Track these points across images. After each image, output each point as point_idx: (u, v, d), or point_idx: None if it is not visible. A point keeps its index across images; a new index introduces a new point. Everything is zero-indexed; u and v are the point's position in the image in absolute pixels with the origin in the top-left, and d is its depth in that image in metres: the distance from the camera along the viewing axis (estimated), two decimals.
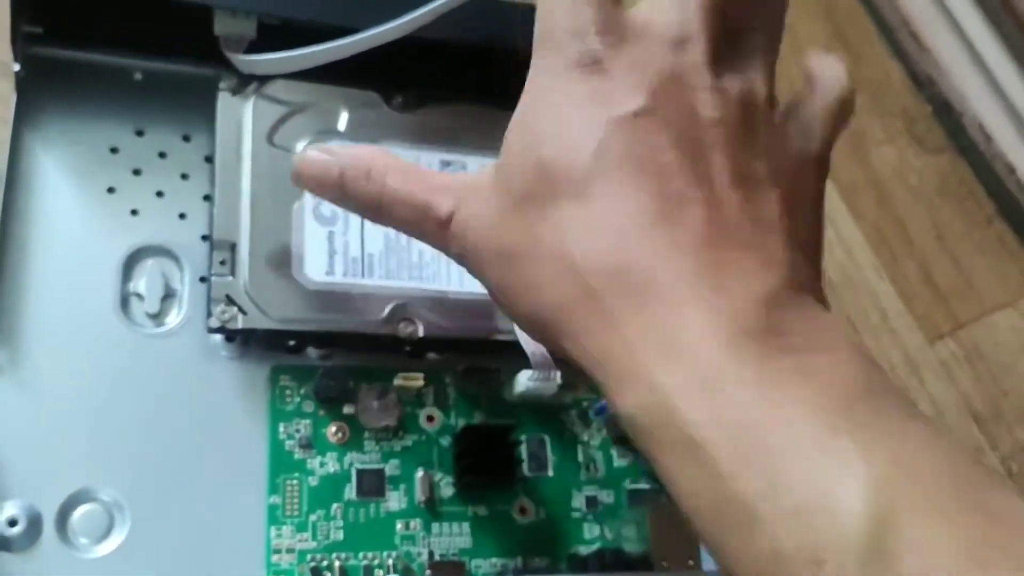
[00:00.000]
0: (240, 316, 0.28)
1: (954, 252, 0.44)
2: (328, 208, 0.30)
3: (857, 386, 0.18)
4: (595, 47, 0.21)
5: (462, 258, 0.24)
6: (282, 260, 0.29)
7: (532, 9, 0.34)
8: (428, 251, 0.31)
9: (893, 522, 0.16)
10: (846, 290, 0.42)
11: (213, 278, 0.28)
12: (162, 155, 0.31)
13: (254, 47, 0.31)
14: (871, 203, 0.44)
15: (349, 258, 0.30)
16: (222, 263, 0.28)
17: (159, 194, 0.31)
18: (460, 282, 0.31)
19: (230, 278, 0.28)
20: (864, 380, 0.18)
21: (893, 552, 0.15)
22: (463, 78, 0.33)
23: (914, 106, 0.47)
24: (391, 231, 0.30)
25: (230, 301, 0.28)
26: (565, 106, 0.21)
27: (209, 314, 0.28)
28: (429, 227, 0.24)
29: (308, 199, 0.30)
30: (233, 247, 0.28)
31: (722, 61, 0.22)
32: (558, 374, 0.31)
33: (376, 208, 0.24)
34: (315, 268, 0.29)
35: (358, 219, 0.30)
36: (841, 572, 0.16)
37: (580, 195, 0.20)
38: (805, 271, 0.21)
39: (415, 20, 0.30)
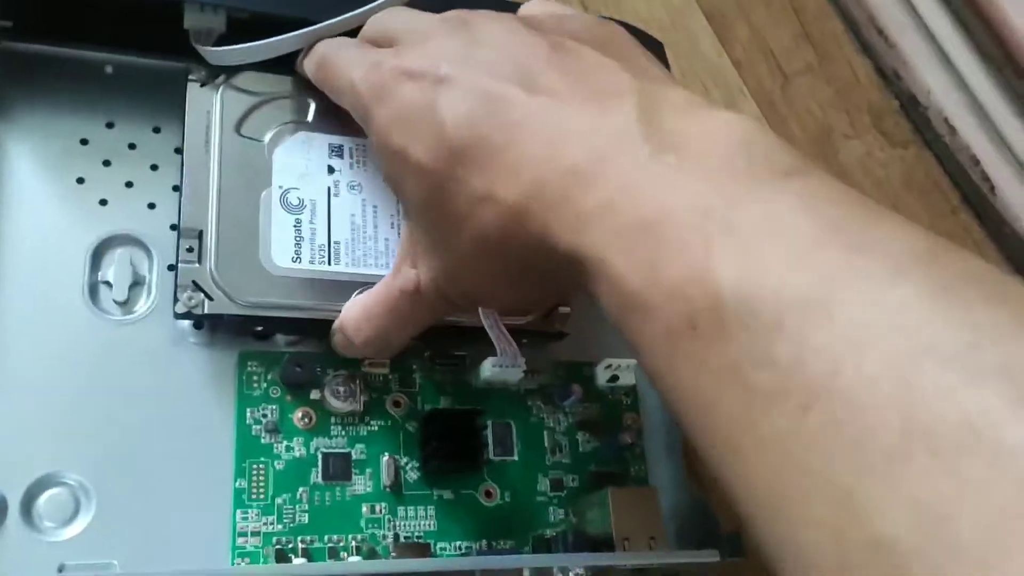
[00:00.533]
0: (206, 302, 0.28)
1: None
2: (295, 196, 0.31)
3: (730, 161, 0.19)
4: (390, 59, 0.26)
5: (465, 302, 0.27)
6: (249, 247, 0.29)
7: None
8: (393, 240, 0.31)
9: (752, 275, 0.17)
10: None
11: (180, 265, 0.28)
12: (132, 146, 0.32)
13: (224, 40, 0.32)
14: None
15: (316, 246, 0.30)
16: (189, 250, 0.28)
17: (128, 184, 0.31)
18: None
19: (197, 265, 0.28)
20: (740, 152, 0.20)
21: (753, 300, 0.17)
22: None
23: (881, 101, 0.48)
24: (357, 219, 0.31)
25: (196, 287, 0.28)
26: (404, 113, 0.25)
27: (176, 300, 0.28)
28: (416, 305, 0.27)
29: (275, 187, 0.30)
30: (200, 234, 0.29)
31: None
32: (523, 360, 0.32)
33: (392, 330, 0.29)
34: (281, 255, 0.30)
35: (324, 207, 0.31)
36: (713, 327, 0.18)
37: (460, 153, 0.23)
38: (657, 76, 0.23)
39: (376, 7, 0.31)
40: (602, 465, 0.33)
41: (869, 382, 0.15)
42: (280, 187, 0.30)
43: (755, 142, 0.20)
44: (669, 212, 0.19)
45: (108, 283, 0.30)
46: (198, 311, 0.28)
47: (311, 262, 0.30)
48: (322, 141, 0.32)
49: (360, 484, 0.30)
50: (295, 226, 0.30)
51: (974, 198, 0.46)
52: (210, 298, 0.28)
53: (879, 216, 0.18)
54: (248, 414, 0.29)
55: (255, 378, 0.30)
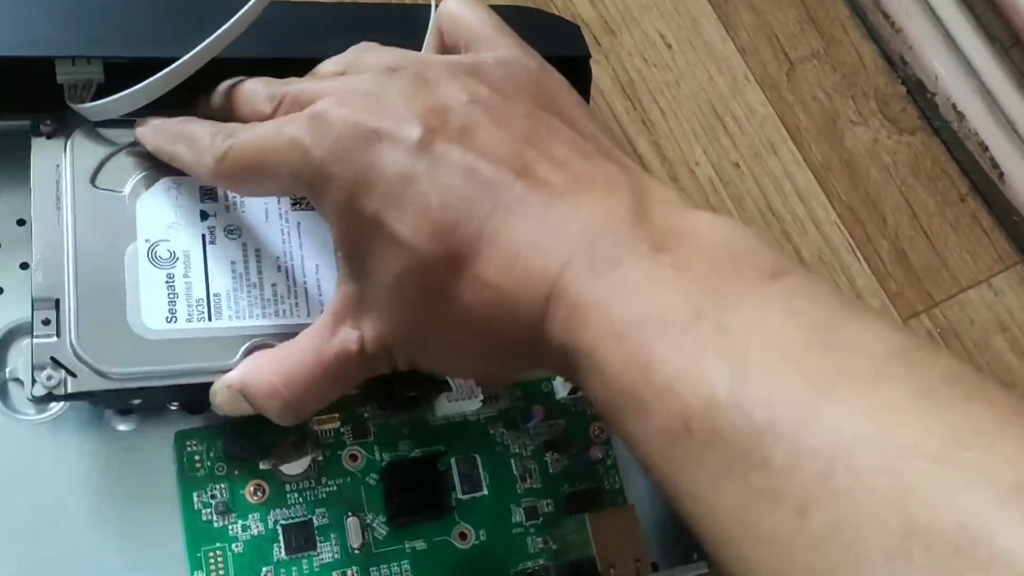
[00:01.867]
0: (68, 379, 0.25)
1: (928, 231, 0.45)
2: (165, 249, 0.27)
3: (719, 263, 0.20)
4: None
5: (415, 366, 0.25)
6: (115, 312, 0.26)
7: (336, 6, 0.32)
8: (282, 284, 0.28)
9: (744, 377, 0.18)
10: (820, 270, 0.43)
11: (35, 340, 0.25)
12: (21, 222, 0.29)
13: (103, 90, 0.29)
14: (845, 183, 0.45)
15: (193, 301, 0.27)
16: (45, 323, 0.25)
17: (23, 266, 0.28)
18: (322, 312, 0.27)
19: (55, 338, 0.25)
20: (726, 254, 0.20)
21: (746, 402, 0.17)
22: None
23: (887, 87, 0.47)
24: (238, 267, 0.28)
25: (56, 364, 0.25)
26: (378, 178, 0.22)
27: (33, 381, 0.24)
28: (356, 367, 0.24)
29: (141, 241, 0.27)
30: (57, 303, 0.25)
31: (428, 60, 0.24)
32: (479, 389, 0.30)
33: (313, 402, 0.25)
34: (153, 316, 0.26)
35: (200, 257, 0.28)
36: (707, 429, 0.18)
37: (469, 250, 0.22)
38: (636, 169, 0.23)
39: (219, 39, 0.27)
40: (575, 484, 0.32)
41: (863, 483, 0.16)
42: (147, 240, 0.27)
43: (739, 243, 0.20)
44: (663, 311, 0.19)
45: (18, 380, 0.27)
46: (60, 391, 0.24)
47: (188, 320, 0.27)
48: (191, 185, 0.28)
49: (327, 552, 0.28)
50: (167, 282, 0.27)
51: (983, 185, 0.45)
52: (72, 374, 0.25)
53: (856, 313, 0.19)
54: (195, 498, 0.27)
55: (196, 458, 0.28)
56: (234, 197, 0.29)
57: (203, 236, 0.28)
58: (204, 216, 0.28)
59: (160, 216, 0.28)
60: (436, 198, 0.21)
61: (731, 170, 0.43)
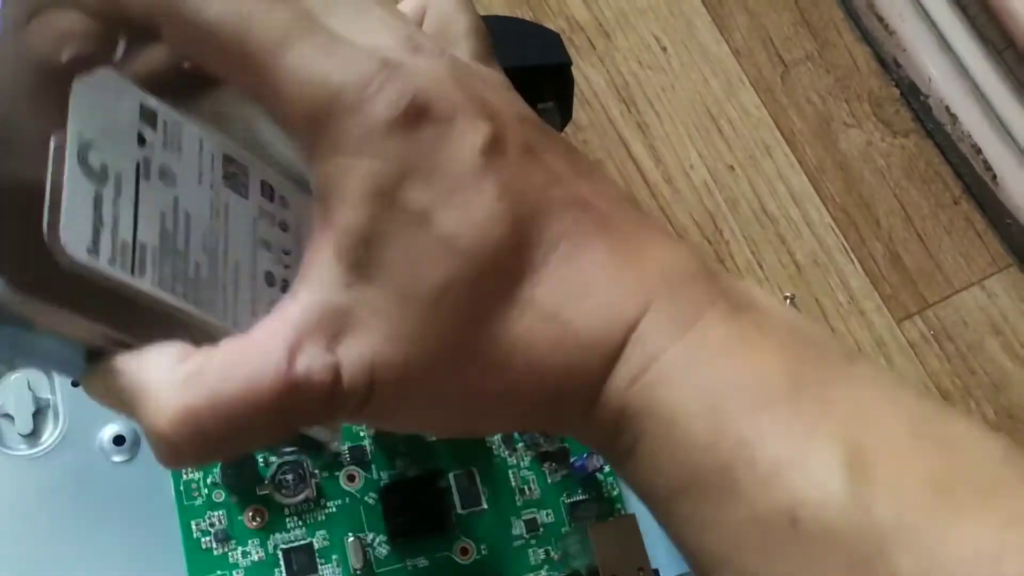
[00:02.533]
0: None
1: (921, 233, 0.45)
2: (97, 158, 0.19)
3: (796, 335, 0.18)
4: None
5: (386, 418, 0.19)
6: (30, 210, 0.18)
7: None
8: (206, 266, 0.20)
9: (862, 468, 0.16)
10: (815, 272, 0.43)
11: None
12: None
13: None
14: (839, 186, 0.45)
15: (118, 241, 0.19)
16: None
17: None
18: (235, 323, 0.20)
19: None
20: (797, 328, 0.18)
21: (868, 500, 0.16)
22: None
23: (881, 89, 0.47)
24: (167, 223, 0.20)
25: None
26: (437, 166, 0.17)
27: None
28: (320, 404, 0.17)
29: (72, 133, 0.19)
30: None
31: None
32: None
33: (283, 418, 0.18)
34: (75, 238, 0.18)
35: (131, 189, 0.20)
36: (820, 525, 0.16)
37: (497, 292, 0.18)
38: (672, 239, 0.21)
39: None
40: (574, 493, 0.32)
41: None
42: (79, 135, 0.19)
43: (801, 320, 0.19)
44: (759, 379, 0.17)
45: (8, 416, 0.27)
46: None
47: (111, 263, 0.18)
48: (133, 97, 0.20)
49: (329, 573, 0.28)
50: (95, 202, 0.19)
51: (976, 188, 0.45)
52: None
53: (944, 407, 0.17)
54: (194, 527, 0.27)
55: (193, 486, 0.28)
56: (173, 131, 0.21)
57: (138, 164, 0.20)
58: (141, 140, 0.20)
59: (95, 112, 0.20)
60: (505, 205, 0.18)
61: (726, 173, 0.43)
